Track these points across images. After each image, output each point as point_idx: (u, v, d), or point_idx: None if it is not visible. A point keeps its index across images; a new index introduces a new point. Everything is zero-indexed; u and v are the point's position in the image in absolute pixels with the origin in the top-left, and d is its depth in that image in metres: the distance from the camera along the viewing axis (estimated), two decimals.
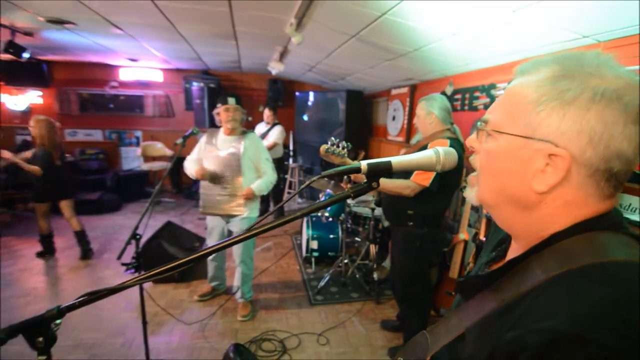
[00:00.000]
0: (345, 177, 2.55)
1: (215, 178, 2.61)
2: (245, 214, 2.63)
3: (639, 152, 0.45)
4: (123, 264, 2.01)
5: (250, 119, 5.39)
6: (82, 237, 3.82)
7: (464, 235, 2.57)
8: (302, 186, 0.75)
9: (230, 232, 2.78)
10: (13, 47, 3.75)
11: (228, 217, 2.70)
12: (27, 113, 6.25)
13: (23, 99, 6.18)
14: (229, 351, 1.96)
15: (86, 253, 3.82)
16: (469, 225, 2.66)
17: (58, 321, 0.70)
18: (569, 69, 0.46)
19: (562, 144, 0.45)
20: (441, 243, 2.53)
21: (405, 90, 4.46)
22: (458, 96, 3.37)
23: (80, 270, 3.53)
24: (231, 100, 2.57)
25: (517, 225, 0.54)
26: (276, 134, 5.00)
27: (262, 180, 2.63)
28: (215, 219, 2.76)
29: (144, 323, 2.09)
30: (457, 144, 2.04)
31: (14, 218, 5.13)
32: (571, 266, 0.43)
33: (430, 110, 2.08)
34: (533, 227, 0.51)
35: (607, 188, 0.46)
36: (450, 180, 2.08)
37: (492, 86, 2.84)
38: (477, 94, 3.06)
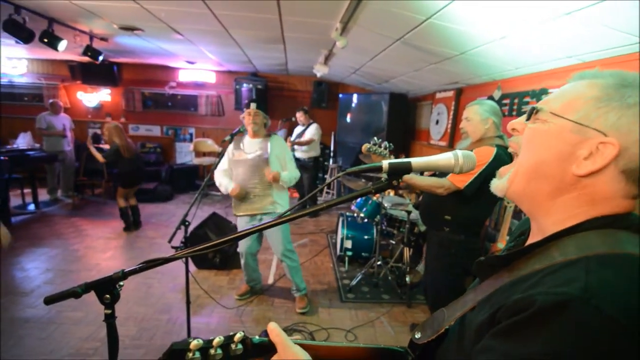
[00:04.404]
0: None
1: (246, 193, 2.71)
2: (279, 209, 2.69)
3: None
4: (173, 247, 2.22)
5: (293, 119, 5.63)
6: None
7: (502, 244, 2.48)
8: (327, 182, 0.82)
9: (262, 234, 2.84)
10: (91, 51, 4.25)
11: (261, 216, 2.74)
12: (98, 109, 7.01)
13: (95, 97, 6.93)
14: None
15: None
16: (510, 235, 2.56)
17: (122, 283, 0.83)
18: (630, 81, 0.52)
19: (612, 137, 0.50)
20: (478, 251, 2.46)
21: (450, 93, 4.37)
22: (506, 101, 3.24)
23: (134, 252, 3.91)
24: (253, 105, 2.71)
25: (542, 205, 0.57)
26: (312, 131, 5.30)
27: (287, 173, 2.73)
28: (246, 222, 2.79)
29: (188, 303, 2.30)
30: (505, 153, 1.94)
31: (82, 202, 5.77)
32: (588, 253, 0.48)
33: (488, 116, 2.01)
34: (557, 210, 0.55)
35: (632, 188, 0.51)
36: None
37: (544, 91, 2.71)
38: (527, 99, 2.93)
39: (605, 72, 0.55)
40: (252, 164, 2.69)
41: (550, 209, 0.56)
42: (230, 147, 2.77)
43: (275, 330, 0.66)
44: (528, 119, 0.60)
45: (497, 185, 0.63)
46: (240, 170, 2.72)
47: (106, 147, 4.53)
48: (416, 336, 0.67)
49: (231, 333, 0.64)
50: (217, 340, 0.63)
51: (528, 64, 2.73)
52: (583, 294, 0.41)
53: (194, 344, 0.61)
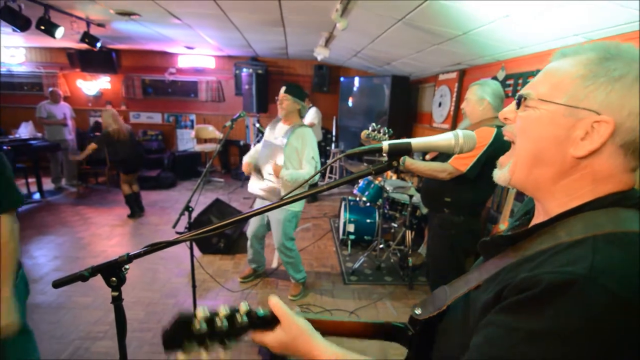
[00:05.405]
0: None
1: (258, 170, 2.72)
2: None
3: None
4: (177, 233, 2.25)
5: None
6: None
7: (504, 225, 2.49)
8: (327, 164, 0.83)
9: (269, 220, 2.85)
10: (88, 38, 4.20)
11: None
12: (98, 97, 6.97)
13: (95, 84, 6.88)
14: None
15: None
16: (512, 217, 2.57)
17: (127, 266, 0.84)
18: (613, 54, 0.50)
19: (605, 114, 0.49)
20: (478, 232, 2.48)
21: (453, 75, 4.30)
22: (510, 82, 3.20)
23: (139, 238, 3.96)
24: (282, 90, 2.63)
25: (546, 190, 0.57)
26: (312, 115, 5.33)
27: (296, 171, 2.55)
28: (260, 203, 2.81)
29: (194, 286, 2.34)
30: None
31: (86, 190, 5.82)
32: (595, 232, 0.48)
33: (483, 96, 1.98)
34: (561, 192, 0.55)
35: (632, 160, 0.51)
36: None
37: None
38: (532, 79, 2.88)
39: (587, 47, 0.54)
40: (271, 148, 2.67)
41: (554, 192, 0.56)
42: (269, 126, 2.81)
43: (277, 304, 0.67)
44: (518, 106, 0.59)
45: (500, 176, 0.63)
46: (264, 151, 2.73)
47: None
48: (416, 312, 0.68)
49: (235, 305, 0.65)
50: (223, 311, 0.64)
51: (533, 43, 2.67)
52: (590, 273, 0.41)
53: (200, 315, 0.62)
